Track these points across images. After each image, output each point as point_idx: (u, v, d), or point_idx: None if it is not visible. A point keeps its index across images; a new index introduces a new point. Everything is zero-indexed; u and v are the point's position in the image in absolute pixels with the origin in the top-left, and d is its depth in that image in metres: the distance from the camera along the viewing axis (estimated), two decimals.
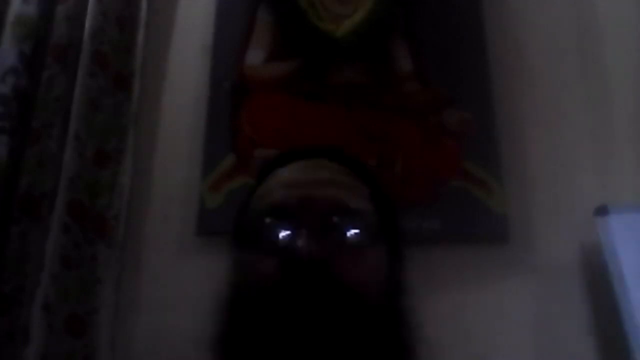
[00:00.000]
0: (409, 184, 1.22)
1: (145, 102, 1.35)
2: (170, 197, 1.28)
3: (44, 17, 1.29)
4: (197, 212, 1.23)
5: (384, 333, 0.56)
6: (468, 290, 1.16)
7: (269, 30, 1.37)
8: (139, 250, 1.24)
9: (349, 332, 0.52)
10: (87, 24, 1.28)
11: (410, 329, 0.59)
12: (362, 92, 1.31)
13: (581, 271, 1.17)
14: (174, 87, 1.39)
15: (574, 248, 1.19)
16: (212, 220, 1.22)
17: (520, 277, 1.18)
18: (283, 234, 0.57)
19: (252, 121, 1.29)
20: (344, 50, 1.34)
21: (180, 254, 1.23)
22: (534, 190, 1.25)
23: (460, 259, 1.18)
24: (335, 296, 0.53)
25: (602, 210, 1.08)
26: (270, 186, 0.63)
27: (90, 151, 1.21)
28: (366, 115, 1.28)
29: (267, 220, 0.58)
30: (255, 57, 1.35)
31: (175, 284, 1.20)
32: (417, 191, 1.22)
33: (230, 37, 1.37)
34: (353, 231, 0.57)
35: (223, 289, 0.62)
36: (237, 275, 0.61)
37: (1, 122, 1.19)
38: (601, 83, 1.33)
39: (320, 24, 1.35)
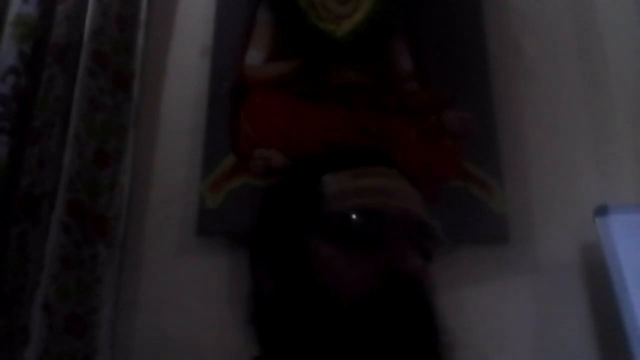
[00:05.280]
0: None
1: (145, 102, 1.35)
2: (170, 197, 1.28)
3: (44, 17, 1.28)
4: (197, 212, 1.22)
5: (440, 353, 0.57)
6: (468, 290, 1.16)
7: (269, 30, 1.37)
8: (139, 250, 1.24)
9: (425, 348, 0.54)
10: (87, 24, 1.27)
11: (446, 349, 0.59)
12: (362, 92, 1.31)
13: (581, 271, 1.17)
14: (174, 87, 1.38)
15: (574, 248, 1.19)
16: (212, 220, 1.21)
17: (520, 277, 1.18)
18: (387, 242, 0.57)
19: (252, 121, 1.29)
20: (344, 50, 1.34)
21: (180, 254, 1.23)
22: (534, 190, 1.25)
23: (460, 259, 1.18)
24: (423, 315, 0.55)
25: (602, 210, 1.08)
26: (357, 186, 0.61)
27: (90, 151, 1.21)
28: (366, 115, 1.28)
29: (365, 221, 0.58)
30: (255, 57, 1.34)
31: (175, 284, 1.20)
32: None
33: (230, 37, 1.36)
34: (433, 249, 0.61)
35: (283, 278, 0.61)
36: (320, 270, 0.58)
37: (1, 122, 1.18)
38: (601, 83, 1.33)
39: (320, 24, 1.35)
